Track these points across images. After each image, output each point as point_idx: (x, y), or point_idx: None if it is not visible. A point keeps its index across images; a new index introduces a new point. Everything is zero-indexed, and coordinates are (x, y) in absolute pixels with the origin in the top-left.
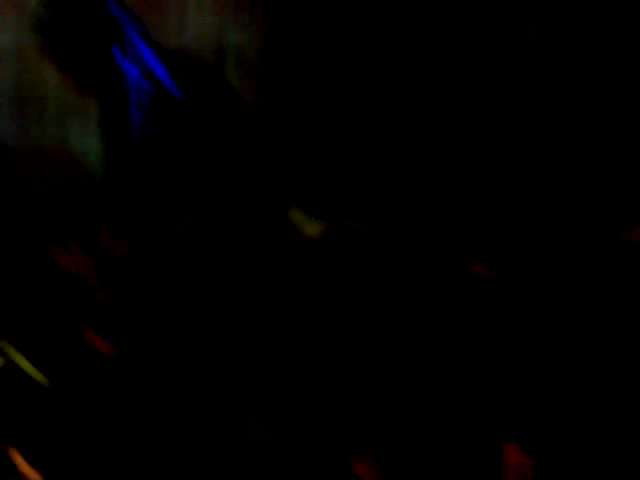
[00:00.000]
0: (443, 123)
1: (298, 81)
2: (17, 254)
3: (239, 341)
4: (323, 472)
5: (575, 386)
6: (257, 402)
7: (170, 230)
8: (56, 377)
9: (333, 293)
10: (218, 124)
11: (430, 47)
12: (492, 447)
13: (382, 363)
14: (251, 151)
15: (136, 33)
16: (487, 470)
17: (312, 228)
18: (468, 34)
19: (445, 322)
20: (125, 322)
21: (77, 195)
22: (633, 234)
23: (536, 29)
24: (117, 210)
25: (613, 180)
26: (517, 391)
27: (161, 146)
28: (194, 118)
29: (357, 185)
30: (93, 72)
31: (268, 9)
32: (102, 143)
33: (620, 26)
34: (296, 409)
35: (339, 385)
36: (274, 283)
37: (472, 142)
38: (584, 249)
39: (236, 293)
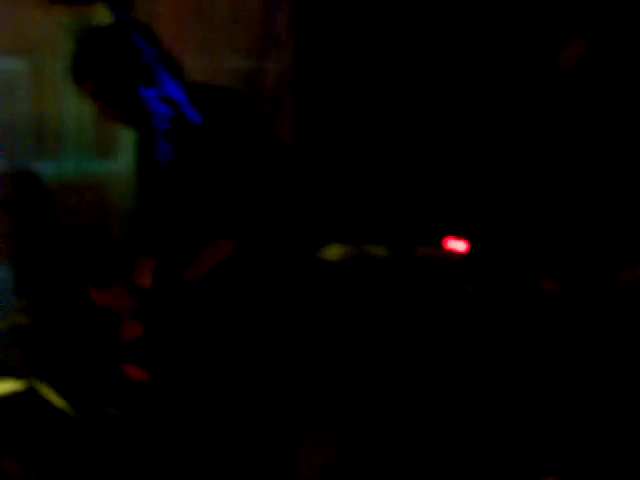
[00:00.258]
0: (488, 150)
1: (330, 114)
2: (56, 290)
3: (279, 370)
4: None
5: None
6: (306, 435)
7: (207, 260)
8: (87, 409)
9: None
10: (242, 155)
11: (463, 85)
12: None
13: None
14: (280, 180)
15: (166, 71)
16: None
17: (332, 252)
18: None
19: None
20: (162, 355)
21: (110, 229)
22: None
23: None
24: (152, 244)
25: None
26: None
27: (190, 179)
28: (219, 150)
29: (387, 210)
30: (124, 108)
31: (299, 48)
32: (135, 177)
33: None
34: (345, 443)
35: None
36: (305, 310)
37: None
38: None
39: (268, 320)
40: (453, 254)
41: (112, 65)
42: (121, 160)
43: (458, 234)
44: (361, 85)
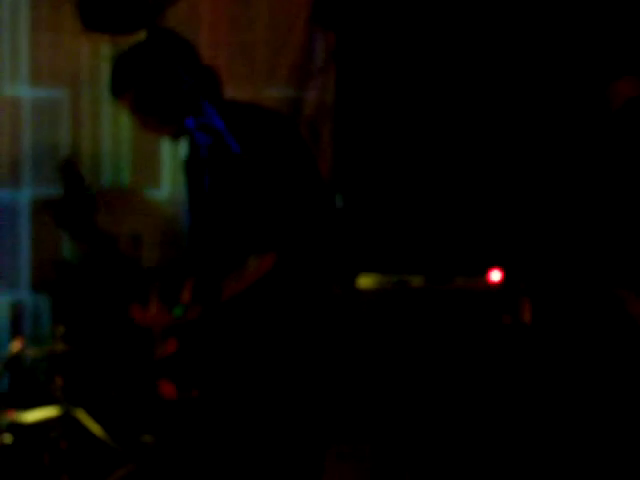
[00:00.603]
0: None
1: (369, 143)
2: (93, 316)
3: (310, 387)
4: None
5: None
6: (333, 450)
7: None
8: (124, 437)
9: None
10: (280, 175)
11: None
12: None
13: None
14: (317, 201)
15: (205, 98)
16: None
17: (370, 281)
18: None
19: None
20: (196, 371)
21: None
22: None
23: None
24: (193, 263)
25: None
26: None
27: (229, 200)
28: (258, 170)
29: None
30: (164, 120)
31: (340, 78)
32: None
33: None
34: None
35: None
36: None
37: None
38: None
39: (302, 338)
40: (490, 285)
41: (152, 76)
42: (161, 186)
43: (496, 265)
44: (401, 115)
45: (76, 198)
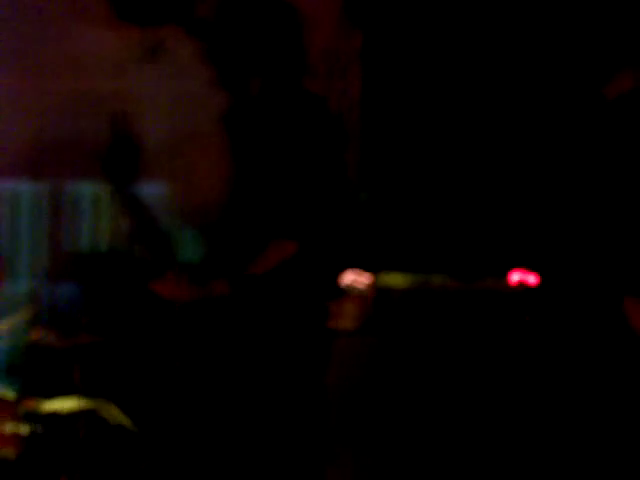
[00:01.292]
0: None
1: (397, 137)
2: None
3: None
4: None
5: None
6: (336, 447)
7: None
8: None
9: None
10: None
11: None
12: None
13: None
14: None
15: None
16: None
17: (397, 280)
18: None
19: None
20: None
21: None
22: None
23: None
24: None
25: None
26: None
27: (261, 179)
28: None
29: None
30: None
31: (366, 71)
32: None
33: None
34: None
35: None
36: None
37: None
38: None
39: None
40: (517, 287)
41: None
42: None
43: (525, 267)
44: (428, 112)
45: (123, 152)
